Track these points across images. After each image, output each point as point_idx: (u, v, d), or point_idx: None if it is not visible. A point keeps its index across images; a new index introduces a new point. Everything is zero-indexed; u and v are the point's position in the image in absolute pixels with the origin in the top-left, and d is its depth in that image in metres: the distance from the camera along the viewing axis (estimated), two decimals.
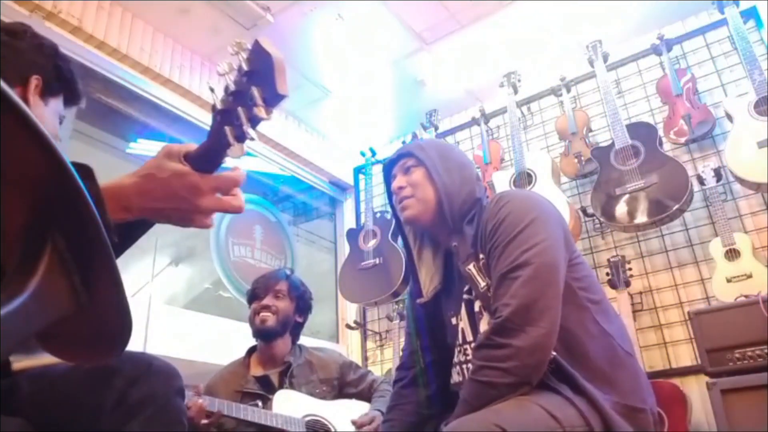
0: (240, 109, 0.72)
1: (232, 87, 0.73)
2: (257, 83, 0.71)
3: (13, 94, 0.40)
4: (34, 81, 1.04)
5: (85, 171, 0.71)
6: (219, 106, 0.74)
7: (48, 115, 1.07)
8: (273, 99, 0.71)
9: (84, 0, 2.55)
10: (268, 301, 2.10)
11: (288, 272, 2.24)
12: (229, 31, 2.93)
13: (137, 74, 2.76)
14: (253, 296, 2.16)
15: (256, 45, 0.71)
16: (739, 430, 1.76)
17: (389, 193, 1.47)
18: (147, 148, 3.02)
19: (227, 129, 0.73)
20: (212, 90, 0.75)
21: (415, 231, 1.47)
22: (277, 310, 2.09)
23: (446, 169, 1.37)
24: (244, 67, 0.72)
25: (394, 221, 1.51)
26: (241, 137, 0.73)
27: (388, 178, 1.48)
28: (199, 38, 2.98)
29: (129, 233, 0.84)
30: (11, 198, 0.46)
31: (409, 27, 2.98)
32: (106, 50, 2.63)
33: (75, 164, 0.74)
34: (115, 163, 2.88)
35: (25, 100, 1.01)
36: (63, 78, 1.11)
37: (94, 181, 0.72)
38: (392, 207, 1.48)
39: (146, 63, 2.76)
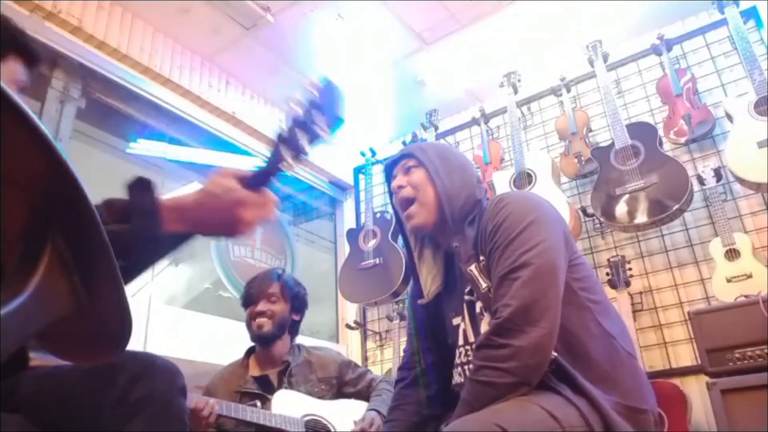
0: (301, 133, 0.85)
1: (300, 117, 0.87)
2: (322, 111, 0.87)
3: (14, 94, 0.40)
4: None
5: (145, 183, 0.81)
6: (284, 135, 0.88)
7: None
8: (335, 123, 0.90)
9: (84, 0, 2.55)
10: (262, 306, 2.08)
11: (280, 272, 2.22)
12: (229, 31, 2.93)
13: (137, 74, 2.76)
14: (247, 301, 2.14)
15: (328, 81, 0.90)
16: (739, 430, 1.76)
17: (391, 193, 1.47)
18: (147, 148, 3.02)
19: (286, 151, 0.86)
20: (280, 120, 0.89)
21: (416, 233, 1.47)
22: (273, 314, 2.08)
23: (447, 171, 1.37)
24: (316, 100, 0.87)
25: (394, 220, 1.53)
26: (297, 156, 0.87)
27: (389, 179, 1.48)
28: (199, 38, 2.98)
29: (173, 243, 0.89)
30: (11, 198, 0.46)
31: (409, 27, 2.98)
32: (106, 50, 2.63)
33: (138, 177, 0.80)
34: (115, 163, 2.88)
35: None
36: (6, 36, 1.02)
37: (152, 192, 0.81)
38: (393, 207, 1.48)
39: (146, 63, 2.76)
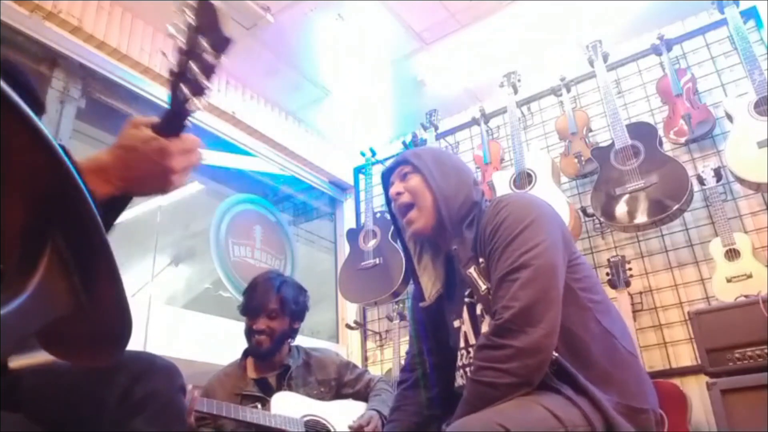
0: (193, 64, 0.77)
1: (184, 45, 0.78)
2: (205, 33, 0.76)
3: (14, 95, 0.40)
4: None
5: (62, 149, 0.73)
6: (175, 69, 0.80)
7: None
8: (221, 44, 0.77)
9: (84, 0, 2.55)
10: (261, 324, 2.04)
11: (280, 281, 2.14)
12: (229, 31, 2.92)
13: (137, 74, 2.76)
14: (246, 313, 2.10)
15: (200, 1, 0.77)
16: (739, 430, 1.76)
17: (388, 201, 1.49)
18: None
19: (184, 86, 0.79)
20: (164, 54, 0.80)
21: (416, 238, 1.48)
22: (272, 332, 2.05)
23: (442, 174, 1.38)
24: (192, 22, 0.77)
25: (393, 226, 1.55)
26: (198, 91, 0.79)
27: (386, 186, 1.49)
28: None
29: (112, 209, 0.86)
30: (11, 198, 0.46)
31: (409, 27, 2.98)
32: (106, 50, 2.63)
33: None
34: None
35: None
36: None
37: (71, 157, 0.74)
38: (391, 214, 1.49)
39: (146, 63, 2.76)
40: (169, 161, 0.82)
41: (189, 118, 0.83)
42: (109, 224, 0.83)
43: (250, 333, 2.08)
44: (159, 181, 0.84)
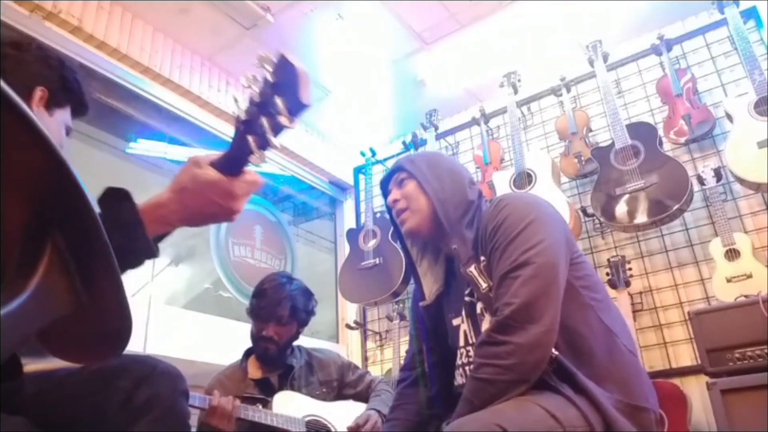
0: (264, 119, 0.76)
1: (257, 98, 0.76)
2: (281, 94, 0.74)
3: (15, 95, 0.41)
4: (39, 92, 1.06)
5: (123, 194, 0.77)
6: (243, 116, 0.78)
7: (53, 125, 1.09)
8: (297, 108, 0.75)
9: (84, 0, 2.55)
10: (270, 332, 2.04)
11: (291, 287, 2.11)
12: (229, 31, 2.93)
13: (137, 74, 2.76)
14: (256, 317, 2.09)
15: (282, 58, 0.75)
16: (739, 430, 1.76)
17: (388, 208, 1.50)
18: (147, 148, 3.02)
19: (250, 138, 0.77)
20: (236, 100, 0.80)
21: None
22: (280, 339, 2.06)
23: (436, 177, 1.40)
24: (269, 78, 0.75)
25: (393, 228, 1.58)
26: (263, 145, 0.77)
27: (385, 194, 1.51)
28: (199, 38, 2.98)
29: (160, 239, 0.88)
30: (12, 198, 0.46)
31: (409, 27, 2.98)
32: (106, 50, 2.63)
33: (113, 188, 0.77)
34: (115, 163, 2.88)
35: None
36: (69, 89, 1.13)
37: (132, 203, 0.77)
38: (392, 219, 1.50)
39: (146, 63, 2.76)
40: (233, 203, 0.83)
41: (248, 166, 0.83)
42: (158, 255, 0.85)
43: (258, 338, 2.07)
44: (220, 218, 0.86)
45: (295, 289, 2.12)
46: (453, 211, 1.35)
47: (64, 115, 1.13)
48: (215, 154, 0.84)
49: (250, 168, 0.84)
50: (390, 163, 3.58)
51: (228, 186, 0.81)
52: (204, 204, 0.82)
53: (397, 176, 1.46)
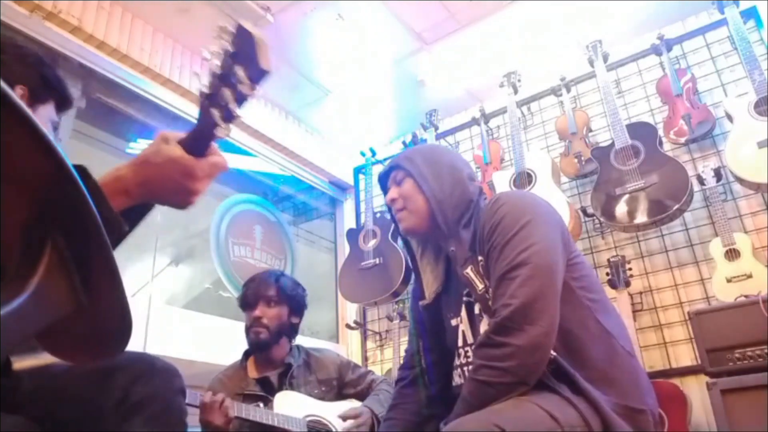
0: (226, 90, 0.76)
1: (218, 70, 0.77)
2: (241, 62, 0.75)
3: (14, 95, 0.41)
4: (19, 91, 1.05)
5: (81, 170, 0.74)
6: (206, 90, 0.78)
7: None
8: (257, 75, 0.75)
9: (84, 0, 2.55)
10: (259, 312, 2.06)
11: (278, 273, 2.18)
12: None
13: (137, 74, 2.76)
14: (245, 304, 2.12)
15: (239, 27, 0.76)
16: (739, 430, 1.76)
17: (389, 206, 1.49)
18: None
19: (214, 111, 0.77)
20: (197, 75, 0.79)
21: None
22: (269, 322, 2.06)
23: (435, 176, 1.38)
24: (229, 48, 0.76)
25: (393, 226, 1.57)
26: (228, 117, 0.78)
27: (384, 190, 1.51)
28: (199, 38, 2.97)
29: (131, 217, 0.86)
30: (11, 198, 0.46)
31: (409, 27, 2.98)
32: (106, 50, 2.63)
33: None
34: (115, 163, 2.86)
35: None
36: (50, 85, 1.13)
37: (90, 177, 0.75)
38: (392, 217, 1.50)
39: (146, 63, 2.76)
40: (193, 183, 0.82)
41: (214, 140, 0.82)
42: (129, 229, 0.83)
43: (248, 327, 2.08)
44: (179, 198, 0.84)
45: (282, 275, 2.18)
46: (451, 213, 1.34)
47: (47, 111, 1.12)
48: (183, 133, 0.84)
49: (217, 148, 0.84)
50: None
51: (190, 164, 0.81)
52: (164, 179, 0.81)
53: (395, 174, 1.45)
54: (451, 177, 1.38)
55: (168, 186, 0.81)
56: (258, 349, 2.10)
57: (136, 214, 0.86)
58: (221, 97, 0.76)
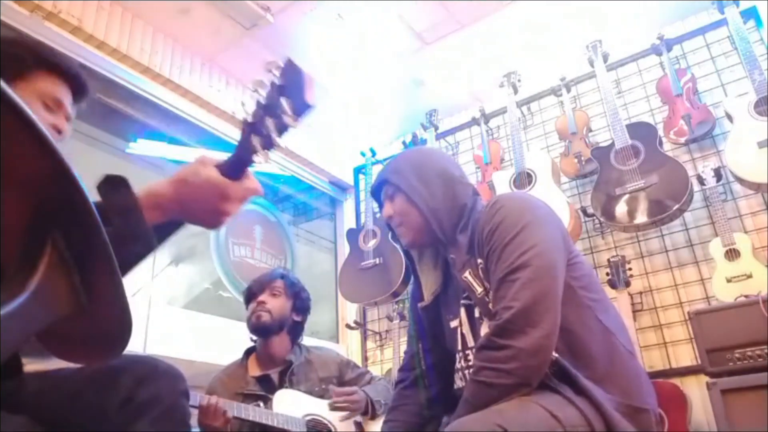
0: (269, 120, 0.80)
1: (264, 100, 0.81)
2: (287, 95, 0.79)
3: (15, 95, 0.40)
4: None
5: (121, 181, 0.77)
6: (249, 119, 0.83)
7: None
8: (302, 109, 0.80)
9: (84, 0, 2.55)
10: (263, 297, 2.09)
11: (284, 271, 2.23)
12: (229, 31, 2.93)
13: (137, 74, 2.76)
14: (250, 295, 2.15)
15: (289, 61, 0.80)
16: (739, 430, 1.76)
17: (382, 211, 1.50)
18: (147, 148, 3.02)
19: (255, 139, 0.82)
20: (243, 104, 0.83)
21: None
22: (273, 307, 2.09)
23: (425, 185, 1.36)
24: (276, 81, 0.80)
25: (391, 233, 1.56)
26: (267, 145, 0.82)
27: (378, 203, 1.51)
28: (199, 38, 2.98)
29: (160, 232, 0.87)
30: (12, 198, 0.46)
31: (409, 27, 2.98)
32: (106, 50, 2.63)
33: (110, 176, 0.78)
34: (115, 163, 2.88)
35: None
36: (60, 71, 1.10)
37: (130, 189, 0.78)
38: (388, 226, 1.50)
39: (146, 63, 2.76)
40: (226, 205, 0.85)
41: (252, 166, 0.86)
42: (158, 244, 0.85)
43: (251, 313, 2.09)
44: (211, 219, 0.87)
45: (289, 273, 2.23)
46: (447, 220, 1.34)
47: (34, 85, 1.08)
48: (222, 157, 0.87)
49: (252, 174, 0.87)
50: None
51: (225, 187, 0.84)
52: (199, 199, 0.84)
53: (386, 190, 1.44)
54: (442, 182, 1.37)
55: (202, 206, 0.84)
56: (258, 332, 2.10)
57: (164, 231, 0.88)
58: (264, 127, 0.80)
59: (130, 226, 0.76)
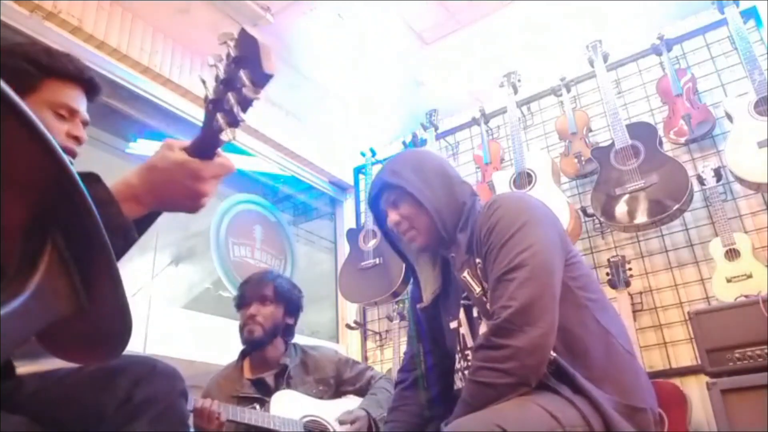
0: (230, 95, 0.77)
1: (222, 74, 0.78)
2: (245, 66, 0.76)
3: (15, 96, 0.41)
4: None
5: (93, 177, 0.76)
6: (211, 95, 0.80)
7: None
8: (261, 79, 0.76)
9: (84, 0, 2.55)
10: (253, 309, 2.06)
11: (275, 274, 2.19)
12: (229, 31, 2.92)
13: (137, 74, 2.76)
14: (240, 303, 2.12)
15: (242, 32, 0.77)
16: (739, 430, 1.76)
17: (379, 219, 1.47)
18: (147, 148, 3.02)
19: (220, 116, 0.79)
20: (203, 81, 0.80)
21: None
22: (264, 320, 2.06)
23: (427, 184, 1.36)
24: (232, 53, 0.77)
25: (386, 239, 1.52)
26: (233, 122, 0.79)
27: (374, 209, 1.47)
28: (199, 38, 2.97)
29: (139, 226, 0.87)
30: (12, 198, 0.46)
31: (409, 27, 2.98)
32: (106, 50, 2.63)
33: (81, 173, 0.76)
34: (115, 162, 2.88)
35: None
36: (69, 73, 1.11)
37: (103, 184, 0.77)
38: (383, 230, 1.49)
39: (146, 63, 2.76)
40: (200, 185, 0.84)
41: (221, 146, 0.84)
42: (137, 237, 0.85)
43: (242, 325, 2.08)
44: (189, 202, 0.86)
45: (278, 276, 2.19)
46: (449, 220, 1.33)
47: (45, 94, 1.11)
48: (188, 141, 0.86)
49: (222, 151, 0.86)
50: None
51: (195, 166, 0.83)
52: (172, 184, 0.83)
53: (388, 196, 1.40)
54: (442, 182, 1.37)
55: (177, 189, 0.83)
56: (251, 347, 2.09)
57: (142, 222, 0.87)
58: (226, 102, 0.77)
59: (110, 219, 0.75)
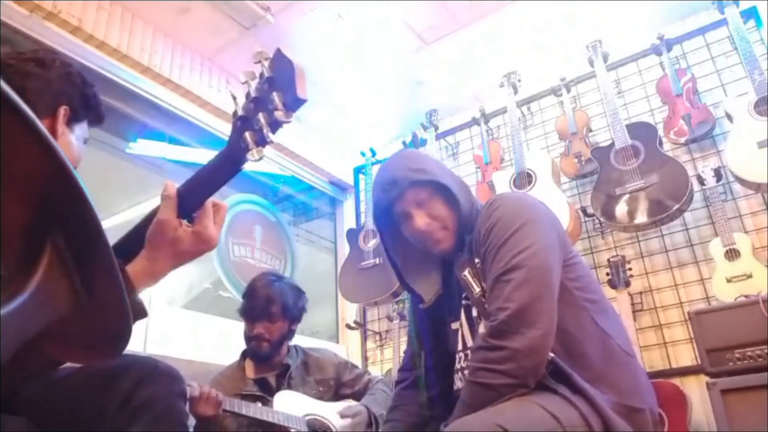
0: (261, 115, 0.76)
1: (254, 93, 0.77)
2: (278, 88, 0.75)
3: (15, 95, 0.40)
4: (63, 110, 1.06)
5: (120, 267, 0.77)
6: (240, 112, 0.78)
7: (74, 141, 1.10)
8: (294, 103, 0.75)
9: (84, 0, 2.55)
10: (262, 329, 2.06)
11: (280, 287, 2.13)
12: (229, 31, 2.93)
13: (137, 74, 2.76)
14: (247, 316, 2.11)
15: (278, 53, 0.76)
16: (739, 430, 1.76)
17: (378, 218, 1.42)
18: (147, 148, 3.02)
19: (248, 134, 0.77)
20: (234, 97, 0.79)
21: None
22: (272, 335, 2.07)
23: (454, 180, 1.34)
24: (266, 73, 0.76)
25: (380, 240, 1.46)
26: (260, 141, 0.77)
27: (380, 202, 1.38)
28: (199, 38, 2.98)
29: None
30: (12, 198, 0.46)
31: (409, 27, 2.98)
32: (106, 50, 2.63)
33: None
34: (115, 163, 2.88)
35: (53, 131, 1.04)
36: (89, 105, 1.14)
37: (125, 272, 0.79)
38: (378, 229, 1.46)
39: (146, 63, 2.76)
40: (206, 240, 0.86)
41: (245, 162, 0.83)
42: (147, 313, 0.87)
43: (250, 338, 2.09)
44: (203, 251, 0.88)
45: (285, 287, 2.15)
46: (469, 221, 1.32)
47: (82, 129, 1.14)
48: (175, 199, 0.85)
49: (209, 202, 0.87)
50: None
51: (201, 235, 0.84)
52: (177, 255, 0.85)
53: (416, 194, 1.32)
54: (459, 181, 1.38)
55: (182, 254, 0.86)
56: (257, 360, 2.12)
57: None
58: (256, 122, 0.76)
59: (134, 307, 0.78)
